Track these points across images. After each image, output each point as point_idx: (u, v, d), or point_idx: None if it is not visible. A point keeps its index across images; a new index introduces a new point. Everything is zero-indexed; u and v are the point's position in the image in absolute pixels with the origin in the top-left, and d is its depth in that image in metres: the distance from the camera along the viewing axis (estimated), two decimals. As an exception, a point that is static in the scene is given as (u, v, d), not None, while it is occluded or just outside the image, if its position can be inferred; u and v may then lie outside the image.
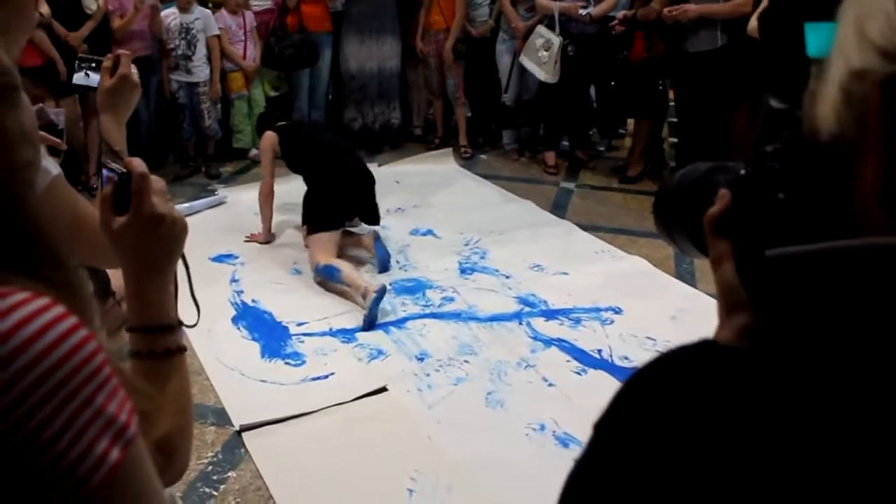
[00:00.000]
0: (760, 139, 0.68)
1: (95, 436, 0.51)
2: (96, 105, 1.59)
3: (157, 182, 0.97)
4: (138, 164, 0.96)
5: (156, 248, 0.97)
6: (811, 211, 0.59)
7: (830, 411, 0.46)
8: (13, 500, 0.48)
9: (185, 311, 1.06)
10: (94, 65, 1.67)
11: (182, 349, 1.00)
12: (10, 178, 0.60)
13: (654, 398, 0.55)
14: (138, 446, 0.56)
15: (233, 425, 3.11)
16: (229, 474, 2.87)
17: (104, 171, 1.12)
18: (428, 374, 3.44)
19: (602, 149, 6.84)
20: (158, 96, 5.93)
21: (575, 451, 2.48)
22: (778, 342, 0.51)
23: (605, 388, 2.90)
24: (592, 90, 6.41)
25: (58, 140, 1.83)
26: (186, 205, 5.32)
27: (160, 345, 0.96)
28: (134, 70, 1.59)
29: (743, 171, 0.69)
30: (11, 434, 0.48)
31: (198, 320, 1.10)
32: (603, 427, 0.59)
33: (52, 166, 1.22)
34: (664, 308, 3.95)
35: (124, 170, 0.97)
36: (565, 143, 6.57)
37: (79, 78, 1.71)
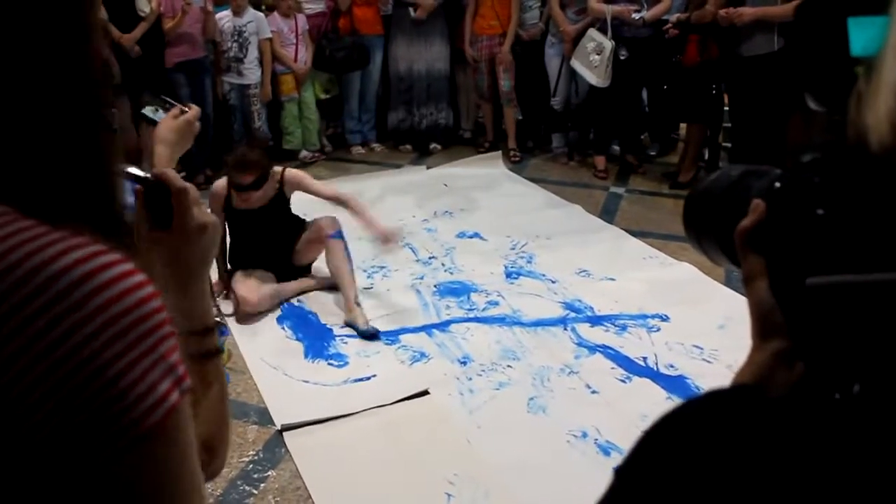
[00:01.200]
0: (798, 147, 0.63)
1: (159, 377, 0.53)
2: (152, 134, 1.67)
3: (192, 191, 0.97)
4: (174, 176, 0.95)
5: (199, 256, 0.97)
6: (855, 231, 0.53)
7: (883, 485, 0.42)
8: (72, 432, 0.50)
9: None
10: (166, 107, 1.77)
11: (219, 351, 1.00)
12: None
13: (681, 451, 0.51)
14: (187, 404, 0.58)
15: (274, 425, 3.13)
16: (269, 473, 2.89)
17: (137, 177, 1.12)
18: (470, 379, 3.42)
19: (653, 153, 6.74)
20: (213, 97, 6.00)
21: (616, 460, 2.44)
22: (821, 392, 0.47)
23: (649, 397, 2.86)
24: (644, 94, 6.33)
25: None
26: (236, 205, 5.38)
27: (203, 347, 0.97)
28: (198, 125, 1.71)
29: (779, 184, 0.64)
30: (85, 364, 0.50)
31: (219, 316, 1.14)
32: (624, 474, 0.55)
33: None
34: (712, 316, 3.87)
35: (147, 175, 0.96)
36: (615, 147, 6.49)
37: (148, 111, 1.78)
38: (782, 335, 0.61)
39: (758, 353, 0.65)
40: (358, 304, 3.88)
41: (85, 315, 0.51)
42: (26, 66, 0.58)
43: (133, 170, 0.96)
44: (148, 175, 0.96)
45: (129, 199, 0.98)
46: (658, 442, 0.54)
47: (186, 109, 1.77)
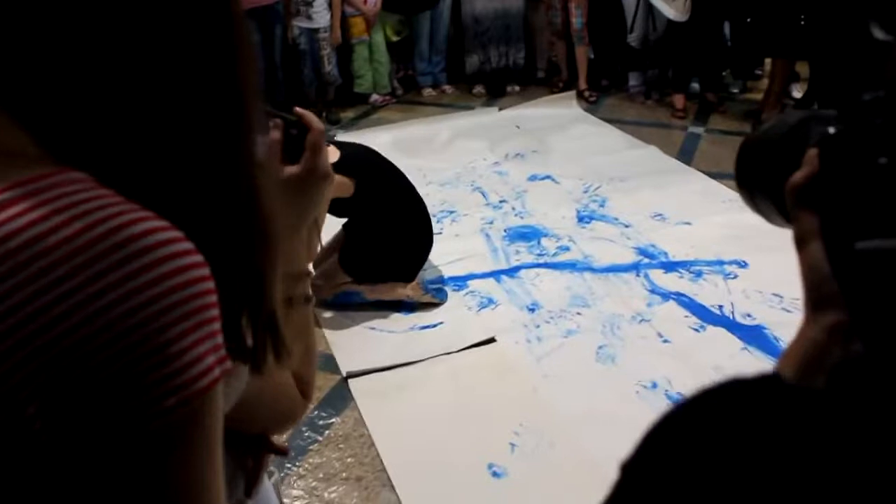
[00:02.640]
0: (857, 85, 0.53)
1: (207, 350, 0.55)
2: None
3: (322, 137, 1.00)
4: (314, 119, 0.98)
5: (314, 202, 1.00)
6: None
7: None
8: (128, 384, 0.52)
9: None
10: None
11: (310, 298, 1.02)
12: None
13: (695, 448, 0.44)
14: (222, 387, 0.59)
15: (340, 372, 3.13)
16: (334, 420, 2.89)
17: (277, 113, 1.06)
18: (538, 326, 3.35)
19: (736, 91, 6.44)
20: (283, 44, 5.96)
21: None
22: (865, 383, 0.39)
23: (724, 347, 2.74)
24: (726, 27, 6.02)
25: None
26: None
27: (295, 290, 0.98)
28: (332, 158, 1.39)
29: (834, 128, 0.55)
30: (148, 322, 0.53)
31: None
32: (631, 471, 0.48)
33: None
34: (794, 264, 3.66)
35: (293, 117, 0.98)
36: (695, 84, 6.22)
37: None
38: (839, 307, 0.52)
39: (810, 327, 0.56)
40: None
41: (152, 279, 0.53)
42: (173, 61, 0.59)
43: (279, 112, 0.99)
44: (292, 117, 0.99)
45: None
46: (666, 439, 0.47)
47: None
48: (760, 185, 0.68)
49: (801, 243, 0.58)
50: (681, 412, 0.47)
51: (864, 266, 0.41)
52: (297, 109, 0.99)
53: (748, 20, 5.55)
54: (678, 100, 6.00)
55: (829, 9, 4.77)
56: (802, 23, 5.17)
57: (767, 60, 6.00)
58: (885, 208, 0.46)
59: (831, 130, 0.55)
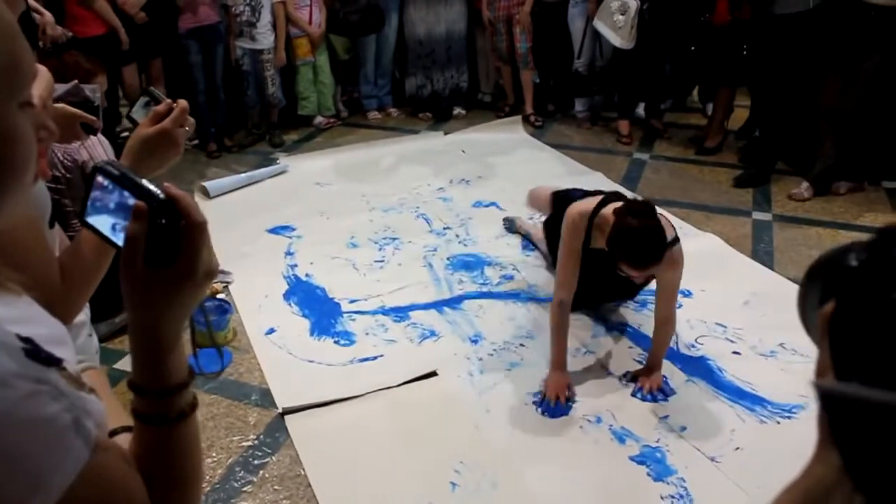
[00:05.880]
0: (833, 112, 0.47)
1: None
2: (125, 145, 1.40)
3: (204, 234, 0.79)
4: (192, 205, 0.77)
5: (192, 303, 0.81)
6: None
7: None
8: None
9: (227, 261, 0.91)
10: (154, 103, 1.46)
11: (194, 407, 0.86)
12: None
13: None
14: None
15: (276, 407, 3.02)
16: (269, 459, 2.78)
17: (141, 187, 0.78)
18: (481, 359, 3.28)
19: (664, 108, 6.41)
20: (225, 64, 5.83)
21: (631, 448, 2.28)
22: None
23: (669, 379, 2.67)
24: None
25: (93, 117, 1.73)
26: (247, 174, 5.26)
27: (176, 407, 0.83)
28: (188, 128, 1.41)
29: (855, 261, 0.49)
30: None
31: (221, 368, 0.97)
32: None
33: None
34: (737, 292, 3.69)
35: (158, 191, 0.75)
36: (640, 111, 6.26)
37: (137, 112, 1.49)
38: None
39: (818, 464, 0.51)
40: None
41: None
42: None
43: (143, 181, 0.77)
44: (158, 191, 0.76)
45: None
46: None
47: (173, 106, 1.40)
48: (812, 301, 0.60)
49: (819, 374, 0.53)
50: None
51: (851, 411, 0.35)
52: (170, 189, 0.77)
53: (692, 49, 5.59)
54: (623, 126, 6.02)
55: (769, 39, 4.82)
56: (745, 53, 5.23)
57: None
58: (889, 347, 0.40)
59: (853, 262, 0.49)
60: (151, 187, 0.76)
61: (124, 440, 0.90)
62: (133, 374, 0.82)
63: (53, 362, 0.71)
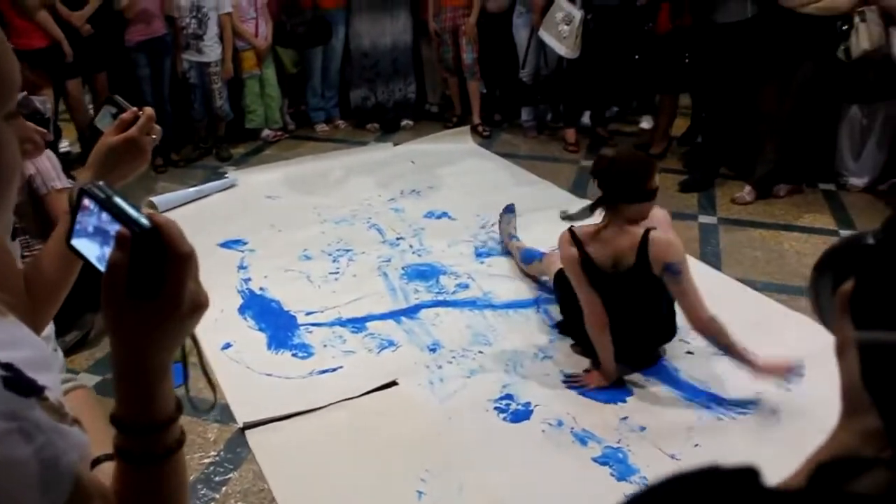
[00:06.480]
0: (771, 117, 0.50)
1: None
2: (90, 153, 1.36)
3: (191, 265, 0.74)
4: (178, 234, 0.72)
5: (179, 336, 0.76)
6: None
7: None
8: None
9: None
10: (119, 111, 1.40)
11: (181, 443, 0.81)
12: None
13: None
14: None
15: (236, 422, 2.99)
16: (231, 475, 2.75)
17: (124, 213, 0.73)
18: (440, 367, 3.30)
19: (608, 115, 6.56)
20: (171, 77, 5.76)
21: (593, 450, 2.30)
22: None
23: (626, 379, 2.72)
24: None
25: (43, 130, 1.70)
26: (195, 189, 5.20)
27: (162, 444, 0.78)
28: (154, 136, 1.38)
29: (872, 240, 0.52)
30: None
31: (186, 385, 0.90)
32: None
33: None
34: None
35: (142, 219, 0.71)
36: (586, 120, 6.36)
37: (102, 121, 1.43)
38: (874, 414, 0.50)
39: (842, 431, 0.55)
40: None
41: None
42: None
43: (128, 207, 0.72)
44: (143, 219, 0.71)
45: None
46: None
47: (139, 114, 1.37)
48: (826, 287, 0.63)
49: (841, 349, 0.57)
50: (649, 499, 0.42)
51: (868, 363, 0.38)
52: (155, 217, 0.72)
53: (636, 57, 5.71)
54: (570, 134, 6.11)
55: (710, 47, 4.95)
56: (686, 61, 5.36)
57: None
58: None
59: (870, 241, 0.52)
60: (135, 214, 0.71)
61: (109, 469, 0.84)
62: (116, 407, 0.77)
63: (35, 391, 0.67)
